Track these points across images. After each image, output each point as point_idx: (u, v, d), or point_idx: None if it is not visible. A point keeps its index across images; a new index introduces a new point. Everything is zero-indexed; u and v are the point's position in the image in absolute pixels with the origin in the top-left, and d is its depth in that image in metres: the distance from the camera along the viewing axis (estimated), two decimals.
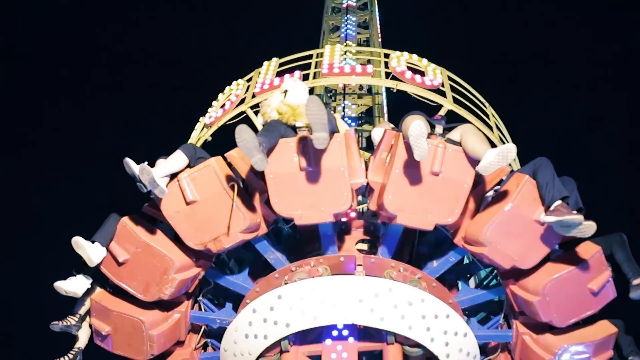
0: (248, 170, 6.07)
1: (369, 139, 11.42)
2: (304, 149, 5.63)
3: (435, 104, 7.71)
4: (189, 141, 8.66)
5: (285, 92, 5.91)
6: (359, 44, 12.73)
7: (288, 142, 5.68)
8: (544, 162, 5.85)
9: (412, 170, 5.67)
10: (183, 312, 6.81)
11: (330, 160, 5.67)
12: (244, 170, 6.08)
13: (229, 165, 6.12)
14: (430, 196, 5.76)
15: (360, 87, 12.47)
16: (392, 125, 6.57)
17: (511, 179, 5.91)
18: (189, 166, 5.98)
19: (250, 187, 6.18)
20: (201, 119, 8.77)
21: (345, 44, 11.67)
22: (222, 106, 8.22)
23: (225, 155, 6.12)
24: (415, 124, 5.24)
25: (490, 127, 8.08)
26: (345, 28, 13.21)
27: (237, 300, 6.94)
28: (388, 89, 8.56)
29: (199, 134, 8.36)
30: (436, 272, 6.76)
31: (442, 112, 7.58)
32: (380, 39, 12.67)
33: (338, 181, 5.73)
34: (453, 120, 7.77)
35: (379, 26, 12.79)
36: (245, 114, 7.83)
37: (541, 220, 5.67)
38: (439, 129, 5.84)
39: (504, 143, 8.02)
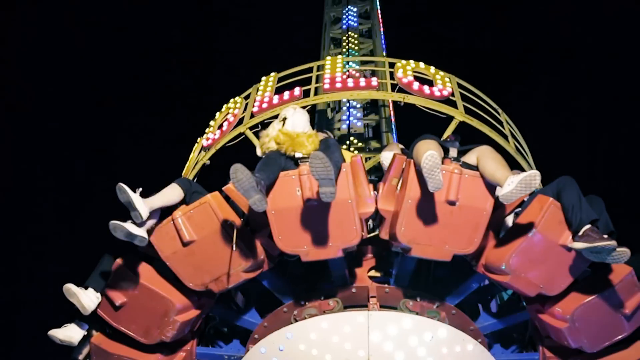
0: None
1: (375, 128, 11.02)
2: (306, 182, 5.19)
3: (445, 116, 7.26)
4: (187, 164, 8.27)
5: (284, 120, 5.45)
6: (361, 35, 12.26)
7: (289, 176, 5.24)
8: (568, 182, 5.38)
9: (426, 198, 5.22)
10: (188, 351, 6.42)
11: (336, 193, 5.20)
12: (243, 203, 5.64)
13: (227, 199, 5.70)
14: (446, 226, 5.31)
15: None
16: (402, 147, 6.10)
17: (533, 202, 5.45)
18: (184, 201, 5.57)
19: (251, 221, 5.74)
20: (199, 139, 8.36)
21: (346, 41, 11.11)
22: (220, 127, 7.80)
23: (223, 188, 5.69)
24: (429, 155, 4.77)
25: (505, 137, 7.62)
26: (346, 19, 12.91)
27: (245, 331, 6.58)
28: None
29: (197, 157, 7.95)
30: (456, 299, 6.34)
31: (452, 127, 7.13)
32: (382, 29, 12.17)
33: (346, 214, 5.29)
34: (465, 132, 7.35)
35: (380, 15, 12.28)
36: (244, 135, 7.42)
37: (569, 247, 5.22)
38: (453, 152, 5.37)
39: (520, 152, 7.58)
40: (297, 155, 5.29)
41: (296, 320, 6.00)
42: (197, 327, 6.40)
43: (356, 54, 11.81)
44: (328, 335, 5.70)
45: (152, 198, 5.29)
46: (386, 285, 6.27)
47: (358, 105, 10.97)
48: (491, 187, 5.25)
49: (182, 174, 8.25)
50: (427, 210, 5.25)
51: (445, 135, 7.26)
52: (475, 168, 5.29)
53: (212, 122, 8.22)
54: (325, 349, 5.66)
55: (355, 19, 12.93)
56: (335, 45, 12.15)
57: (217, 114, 8.27)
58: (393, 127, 8.86)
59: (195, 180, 7.89)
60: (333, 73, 7.48)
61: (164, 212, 5.58)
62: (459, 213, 5.26)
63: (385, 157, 5.89)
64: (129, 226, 5.14)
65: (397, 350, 5.61)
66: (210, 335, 6.85)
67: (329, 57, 7.96)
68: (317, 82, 7.61)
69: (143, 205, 5.10)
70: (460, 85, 7.78)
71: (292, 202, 5.25)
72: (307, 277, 6.53)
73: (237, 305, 6.69)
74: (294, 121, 5.38)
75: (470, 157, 5.34)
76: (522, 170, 7.49)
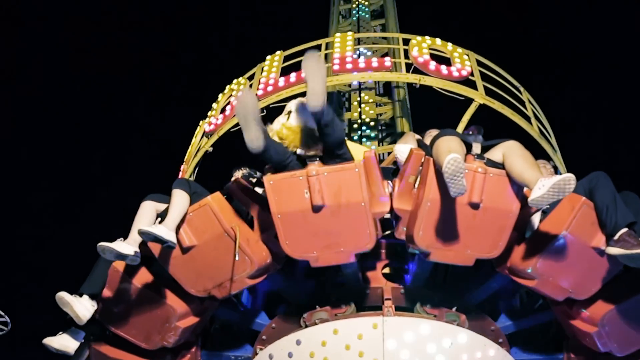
0: (253, 202, 5.20)
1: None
2: (315, 184, 4.73)
3: (464, 98, 6.73)
4: (189, 150, 7.81)
5: (289, 113, 4.94)
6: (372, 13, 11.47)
7: (297, 176, 4.77)
8: (601, 179, 4.89)
9: (447, 200, 4.74)
10: (193, 352, 6.12)
11: (348, 195, 4.77)
12: (247, 202, 5.21)
13: (230, 198, 5.27)
14: (469, 229, 4.85)
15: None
16: (418, 137, 5.60)
17: (564, 201, 4.94)
18: None
19: (256, 222, 5.32)
20: (201, 122, 7.88)
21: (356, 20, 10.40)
22: (223, 111, 7.30)
23: (226, 187, 5.26)
24: (452, 160, 4.25)
25: (528, 119, 7.08)
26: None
27: (252, 331, 6.24)
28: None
29: (199, 143, 7.48)
30: (475, 300, 5.95)
31: (471, 110, 6.61)
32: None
33: (358, 218, 4.84)
34: (485, 114, 6.84)
35: None
36: None
37: (604, 252, 4.77)
38: (476, 148, 4.86)
39: (544, 136, 7.06)
40: (299, 152, 4.81)
41: (306, 325, 5.62)
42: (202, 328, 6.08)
43: (367, 16, 10.99)
44: (340, 342, 5.33)
45: (170, 218, 4.89)
46: (401, 285, 5.87)
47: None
48: (519, 186, 4.77)
49: (184, 160, 7.81)
50: (447, 212, 4.79)
51: (465, 118, 6.77)
52: (501, 166, 4.80)
53: (214, 105, 7.72)
54: (337, 357, 5.30)
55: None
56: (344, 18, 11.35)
57: (220, 95, 7.76)
58: (408, 111, 8.30)
59: (197, 168, 7.49)
60: (343, 52, 6.92)
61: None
62: (482, 215, 4.80)
63: (401, 151, 5.40)
64: (118, 246, 4.75)
65: (414, 358, 5.24)
66: (216, 335, 6.51)
67: (338, 34, 7.38)
68: (325, 61, 7.04)
69: (171, 234, 4.80)
70: (479, 63, 7.21)
71: (300, 205, 4.80)
72: (317, 275, 6.13)
73: (243, 306, 6.32)
74: (299, 114, 4.87)
75: (496, 154, 4.84)
76: (547, 158, 7.05)
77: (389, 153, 8.61)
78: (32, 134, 19.44)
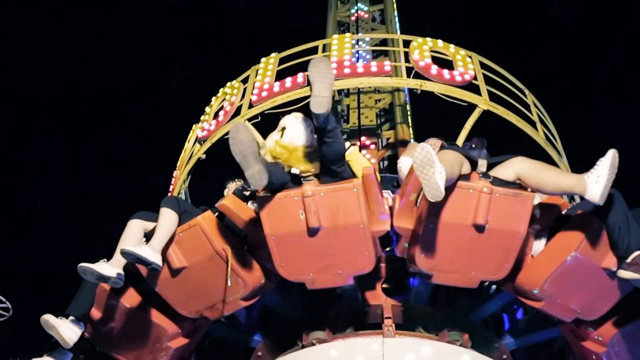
0: (246, 221, 4.93)
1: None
2: (311, 205, 4.47)
3: (466, 104, 6.45)
4: (181, 156, 7.54)
5: (283, 129, 4.65)
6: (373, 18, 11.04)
7: (291, 197, 4.51)
8: (613, 197, 4.63)
9: (450, 222, 4.49)
10: None
11: (345, 216, 4.51)
12: (240, 221, 4.94)
13: (221, 217, 5.01)
14: (473, 251, 4.60)
15: (373, 19, 10.99)
16: None
17: (574, 219, 4.73)
18: None
19: (249, 240, 5.07)
20: (194, 127, 7.61)
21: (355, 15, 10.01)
22: (216, 116, 7.02)
23: (217, 205, 5.00)
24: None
25: (534, 124, 6.81)
26: None
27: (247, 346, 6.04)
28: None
29: (192, 148, 7.20)
30: (479, 316, 5.72)
31: (475, 116, 6.33)
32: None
33: (357, 240, 4.59)
34: (488, 119, 6.57)
35: None
36: None
37: (617, 275, 4.54)
38: (482, 165, 4.58)
39: (550, 142, 6.79)
40: (294, 171, 4.53)
41: (303, 345, 5.40)
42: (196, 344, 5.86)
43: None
44: None
45: (157, 239, 4.63)
46: (402, 301, 5.64)
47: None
48: (526, 205, 4.51)
49: (177, 166, 7.54)
50: (451, 234, 4.54)
51: (468, 124, 6.49)
52: (514, 185, 4.51)
53: (207, 109, 7.43)
54: None
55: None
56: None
57: (213, 99, 7.47)
58: (408, 116, 8.00)
59: (189, 177, 7.23)
60: (340, 55, 6.60)
61: None
62: (488, 237, 4.54)
63: (404, 164, 5.13)
64: (100, 267, 4.51)
65: None
66: (210, 351, 6.29)
67: (335, 36, 7.07)
68: None
69: (157, 256, 4.59)
70: (482, 65, 6.91)
71: (295, 226, 4.55)
72: (313, 290, 5.89)
73: (238, 322, 6.09)
74: (293, 132, 4.56)
75: (503, 172, 4.55)
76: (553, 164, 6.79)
77: (389, 159, 8.38)
78: None
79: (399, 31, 10.35)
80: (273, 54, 7.15)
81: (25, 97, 19.04)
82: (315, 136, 4.50)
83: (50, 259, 16.81)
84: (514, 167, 4.50)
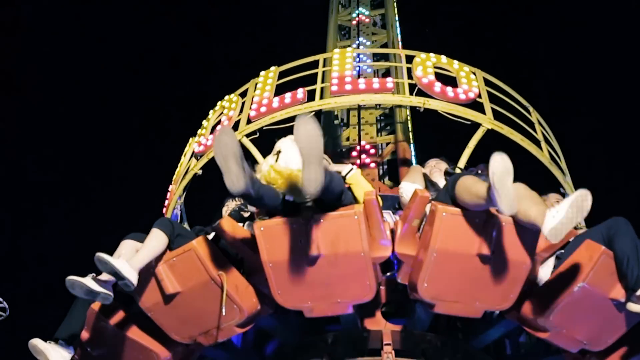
0: (242, 244, 4.77)
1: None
2: (310, 231, 4.30)
3: (469, 123, 6.29)
4: (177, 170, 7.36)
5: (278, 153, 4.46)
6: (374, 23, 10.86)
7: (289, 223, 4.34)
8: (621, 227, 4.46)
9: (455, 251, 4.34)
10: None
11: (346, 244, 4.34)
12: (236, 244, 4.78)
13: (217, 239, 4.85)
14: (478, 281, 4.45)
15: (374, 24, 10.87)
16: (425, 171, 5.18)
17: (581, 249, 4.56)
18: (168, 246, 4.71)
19: (245, 264, 4.90)
20: (190, 140, 7.44)
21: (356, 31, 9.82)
22: (213, 130, 6.85)
23: (213, 227, 4.83)
24: (499, 156, 3.79)
25: (538, 143, 6.65)
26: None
27: None
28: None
29: (188, 163, 7.03)
30: (482, 343, 5.56)
31: (478, 135, 6.17)
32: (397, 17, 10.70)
33: (357, 269, 4.42)
34: (491, 139, 6.42)
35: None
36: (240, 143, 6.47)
37: (624, 305, 4.38)
38: None
39: (555, 162, 6.64)
40: (288, 198, 4.32)
41: None
42: None
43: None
44: None
45: (138, 257, 4.45)
46: (402, 328, 5.47)
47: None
48: (533, 234, 4.36)
49: (173, 180, 7.36)
50: (455, 264, 4.38)
51: (471, 144, 6.33)
52: None
53: (204, 122, 7.27)
54: None
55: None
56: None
57: (211, 112, 7.30)
58: (409, 133, 7.81)
59: (185, 193, 7.06)
60: (342, 71, 6.44)
61: None
62: (493, 267, 4.39)
63: (406, 190, 4.96)
64: (89, 282, 4.31)
65: None
66: None
67: (337, 50, 6.91)
68: (323, 80, 6.60)
69: (132, 272, 4.32)
70: (486, 82, 6.76)
71: (293, 254, 4.37)
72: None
73: (232, 344, 5.91)
74: (289, 156, 4.35)
75: None
76: (557, 184, 6.65)
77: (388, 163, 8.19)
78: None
79: (399, 35, 10.22)
80: (272, 68, 6.99)
81: None
82: None
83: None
84: None
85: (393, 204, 6.14)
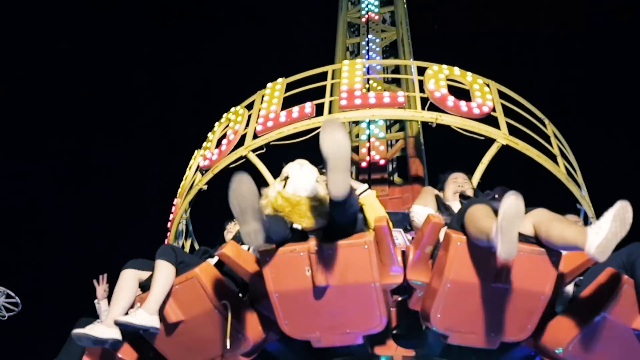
0: (247, 270, 4.58)
1: (394, 71, 9.71)
2: (318, 261, 4.11)
3: (483, 138, 6.07)
4: (182, 183, 7.19)
5: (286, 179, 4.25)
6: (383, 21, 10.63)
7: (297, 252, 4.15)
8: None
9: (470, 282, 4.13)
10: None
11: (356, 274, 4.14)
12: (241, 270, 4.59)
13: (221, 264, 4.67)
14: (494, 312, 4.24)
15: (384, 21, 10.66)
16: (437, 193, 4.97)
17: (602, 277, 4.35)
18: None
19: (250, 290, 4.72)
20: (196, 152, 7.27)
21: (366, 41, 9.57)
22: (219, 145, 6.67)
23: (217, 254, 4.65)
24: (515, 199, 3.57)
25: (554, 157, 6.43)
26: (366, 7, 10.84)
27: None
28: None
29: (193, 177, 6.85)
30: None
31: (493, 151, 5.95)
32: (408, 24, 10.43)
33: (367, 299, 4.22)
34: (506, 153, 6.20)
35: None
36: (245, 158, 6.30)
37: None
38: None
39: (572, 176, 6.41)
40: (296, 226, 4.11)
41: None
42: None
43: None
44: None
45: (153, 299, 4.31)
46: (413, 353, 5.27)
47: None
48: (553, 263, 4.15)
49: (178, 194, 7.19)
50: (470, 294, 4.18)
51: (485, 159, 6.11)
52: (532, 239, 4.15)
53: (209, 135, 7.08)
54: None
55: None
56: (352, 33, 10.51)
57: (216, 124, 7.12)
58: (422, 148, 7.59)
59: (190, 209, 6.89)
60: (351, 84, 6.23)
61: None
62: (510, 298, 4.18)
63: (418, 213, 4.75)
64: (96, 331, 4.17)
65: None
66: None
67: (346, 62, 6.69)
68: (332, 92, 6.39)
69: (153, 319, 4.30)
70: (500, 94, 6.54)
71: (301, 283, 4.18)
72: None
73: None
74: (297, 183, 4.12)
75: (524, 225, 4.18)
76: (574, 200, 6.43)
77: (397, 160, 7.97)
78: None
79: (409, 32, 9.97)
80: (280, 79, 6.79)
81: None
82: (322, 186, 4.12)
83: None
84: (532, 218, 4.11)
85: (404, 221, 5.95)
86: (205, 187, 6.53)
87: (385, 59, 9.81)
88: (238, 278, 4.79)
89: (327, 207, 4.07)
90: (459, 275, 4.12)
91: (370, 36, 10.08)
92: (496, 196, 4.59)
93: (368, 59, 9.53)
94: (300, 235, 4.16)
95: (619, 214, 3.57)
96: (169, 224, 7.04)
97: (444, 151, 8.12)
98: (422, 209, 4.70)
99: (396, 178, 8.40)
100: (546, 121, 6.87)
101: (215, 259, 4.88)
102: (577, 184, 6.65)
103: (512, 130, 6.35)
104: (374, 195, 4.67)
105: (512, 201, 3.60)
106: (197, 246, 7.09)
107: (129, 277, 4.54)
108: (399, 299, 5.07)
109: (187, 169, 7.23)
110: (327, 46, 10.25)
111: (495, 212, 4.15)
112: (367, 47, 9.82)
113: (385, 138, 8.36)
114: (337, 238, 4.15)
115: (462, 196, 4.73)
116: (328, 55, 9.75)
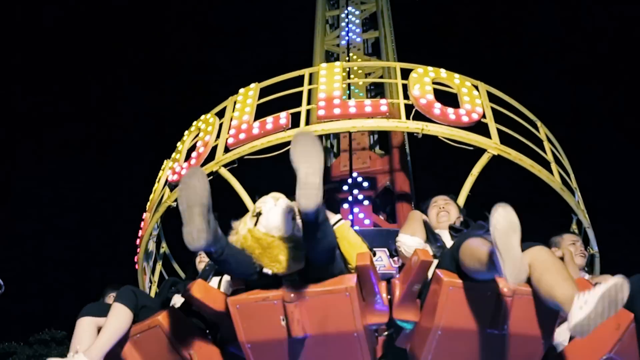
0: (217, 311, 4.13)
1: (374, 44, 9.40)
2: (294, 311, 3.67)
3: (472, 148, 5.64)
4: (151, 197, 6.69)
5: (258, 215, 3.78)
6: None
7: (270, 300, 3.70)
8: None
9: (463, 328, 3.73)
10: None
11: (336, 324, 3.72)
12: (210, 312, 4.14)
13: (186, 308, 4.23)
14: (489, 357, 3.85)
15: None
16: (425, 218, 4.53)
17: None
18: (133, 320, 4.09)
19: (223, 332, 4.29)
20: (165, 163, 6.76)
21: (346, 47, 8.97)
22: (188, 157, 6.16)
23: (182, 295, 4.20)
24: (503, 209, 3.16)
25: (548, 164, 6.02)
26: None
27: None
28: None
29: (162, 190, 6.35)
30: None
31: (483, 162, 5.53)
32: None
33: (349, 349, 3.80)
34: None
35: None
36: (217, 174, 5.82)
37: None
38: None
39: (566, 184, 6.00)
40: (266, 271, 3.64)
41: None
42: None
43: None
44: None
45: (99, 344, 3.86)
46: None
47: (357, 21, 9.22)
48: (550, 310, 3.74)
49: (147, 208, 6.70)
50: (463, 341, 3.77)
51: (475, 171, 5.67)
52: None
53: (179, 145, 6.57)
54: None
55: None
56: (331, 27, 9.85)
57: (185, 133, 6.60)
58: (408, 160, 7.11)
59: (159, 225, 6.41)
60: (330, 91, 5.73)
61: None
62: (506, 343, 3.78)
63: (405, 244, 4.31)
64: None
65: None
66: None
67: (324, 65, 6.17)
68: (309, 100, 5.88)
69: None
70: (490, 98, 6.10)
71: (275, 333, 3.75)
72: None
73: None
74: (270, 220, 3.64)
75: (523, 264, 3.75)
76: (569, 209, 6.04)
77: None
78: None
79: (388, 4, 9.38)
80: (253, 85, 6.27)
81: None
82: (299, 226, 3.67)
83: None
84: (529, 257, 3.65)
85: (388, 239, 5.54)
86: (174, 205, 6.04)
87: (365, 32, 9.34)
88: (207, 322, 4.37)
89: (304, 249, 3.63)
90: (451, 322, 3.71)
91: (349, 8, 9.56)
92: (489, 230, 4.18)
93: (348, 32, 9.03)
94: (272, 279, 3.71)
95: (610, 293, 3.03)
96: (137, 241, 6.56)
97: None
98: (410, 240, 4.27)
99: (377, 151, 8.02)
100: (538, 123, 6.45)
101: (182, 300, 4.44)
102: (571, 190, 6.26)
103: (503, 135, 5.92)
104: (348, 226, 4.24)
105: (502, 213, 3.16)
106: (171, 270, 6.66)
107: (85, 325, 4.07)
108: (385, 333, 4.67)
109: (156, 181, 6.72)
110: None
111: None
112: (346, 20, 9.31)
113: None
114: (315, 281, 3.72)
115: (453, 229, 4.30)
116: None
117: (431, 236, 4.31)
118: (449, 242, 4.27)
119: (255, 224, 3.70)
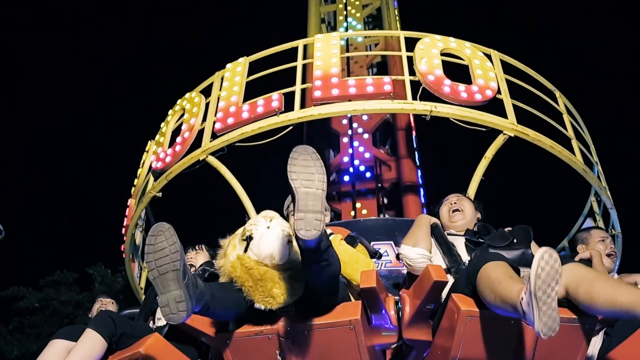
0: (207, 333, 3.71)
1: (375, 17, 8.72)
2: (292, 348, 3.23)
3: (487, 129, 5.09)
4: (136, 182, 6.18)
5: (249, 240, 3.28)
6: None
7: (264, 334, 3.25)
8: None
9: (482, 357, 3.30)
10: None
11: (339, 358, 3.29)
12: (198, 332, 3.72)
13: (174, 334, 3.79)
14: None
15: None
16: (436, 222, 4.02)
17: (636, 335, 3.56)
18: (110, 349, 3.65)
19: (213, 350, 3.88)
20: (149, 144, 6.22)
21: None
22: (172, 144, 5.60)
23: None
24: (546, 253, 2.67)
25: (568, 141, 5.48)
26: None
27: None
28: None
29: (146, 177, 5.83)
30: None
31: (499, 143, 4.99)
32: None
33: None
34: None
35: None
36: (204, 162, 5.28)
37: None
38: (525, 275, 3.31)
39: (589, 157, 5.50)
40: (258, 306, 3.13)
41: None
42: None
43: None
44: None
45: None
46: None
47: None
48: (583, 332, 3.30)
49: (132, 193, 6.20)
50: None
51: (489, 153, 5.13)
52: (564, 301, 3.27)
53: (162, 126, 6.00)
54: None
55: None
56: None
57: (169, 113, 6.03)
58: (414, 143, 6.48)
59: (145, 215, 5.93)
60: (326, 68, 5.11)
61: None
62: None
63: (407, 257, 3.82)
64: None
65: None
66: None
67: (320, 35, 5.52)
68: (303, 78, 5.27)
69: None
70: (504, 67, 5.50)
71: None
72: None
73: None
74: (262, 246, 3.16)
75: None
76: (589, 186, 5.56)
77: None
78: None
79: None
80: (241, 59, 5.65)
81: None
82: (296, 251, 3.18)
83: None
84: (563, 278, 3.20)
85: (394, 232, 5.08)
86: (159, 195, 5.53)
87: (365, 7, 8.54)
88: (194, 350, 3.95)
89: (302, 279, 3.15)
90: (469, 355, 3.27)
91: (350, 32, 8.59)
92: (515, 240, 3.67)
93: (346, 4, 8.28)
94: (268, 314, 3.24)
95: None
96: (123, 230, 6.10)
97: None
98: (411, 252, 3.77)
99: None
100: (557, 93, 5.86)
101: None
102: (591, 166, 5.75)
103: (517, 110, 5.35)
104: (339, 240, 3.79)
105: (545, 259, 2.69)
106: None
107: (56, 350, 3.64)
108: (393, 345, 4.25)
109: (141, 165, 6.19)
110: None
111: (516, 269, 3.27)
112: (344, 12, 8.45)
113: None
114: (314, 311, 3.26)
115: (470, 241, 3.79)
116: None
117: (444, 245, 3.82)
118: (464, 252, 3.80)
119: (246, 250, 3.20)
